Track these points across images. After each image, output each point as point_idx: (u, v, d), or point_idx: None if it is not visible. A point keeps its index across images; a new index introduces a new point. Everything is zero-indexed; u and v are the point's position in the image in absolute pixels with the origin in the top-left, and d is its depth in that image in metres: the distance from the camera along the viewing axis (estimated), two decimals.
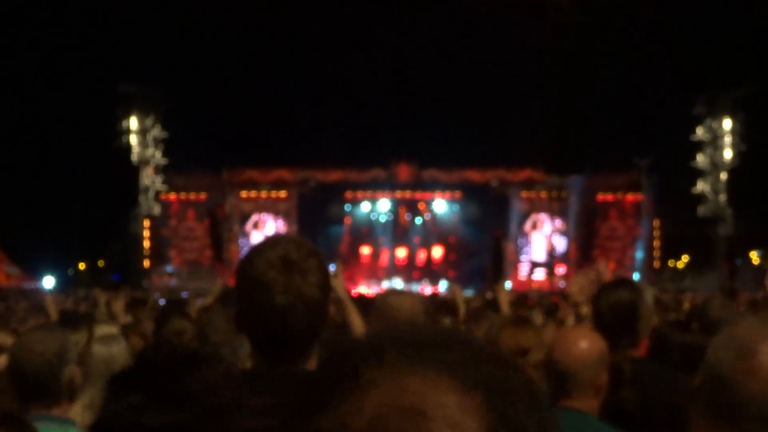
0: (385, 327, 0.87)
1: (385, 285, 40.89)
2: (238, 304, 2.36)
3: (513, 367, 0.85)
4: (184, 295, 23.53)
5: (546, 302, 15.83)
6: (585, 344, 3.50)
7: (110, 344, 4.38)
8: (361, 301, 10.29)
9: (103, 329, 5.03)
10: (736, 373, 2.11)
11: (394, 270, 45.41)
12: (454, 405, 0.79)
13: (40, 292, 30.00)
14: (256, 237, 43.27)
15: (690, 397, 2.21)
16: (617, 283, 4.78)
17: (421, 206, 46.68)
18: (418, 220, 46.99)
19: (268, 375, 2.32)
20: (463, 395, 0.80)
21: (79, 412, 3.52)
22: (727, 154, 42.78)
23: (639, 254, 43.31)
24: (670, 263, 46.17)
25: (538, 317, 9.10)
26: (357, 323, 4.91)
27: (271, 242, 2.38)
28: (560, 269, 44.95)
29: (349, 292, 6.50)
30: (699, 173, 43.81)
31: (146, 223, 43.79)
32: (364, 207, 46.39)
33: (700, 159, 43.59)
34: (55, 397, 3.38)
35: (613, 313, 4.44)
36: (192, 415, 1.92)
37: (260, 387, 2.25)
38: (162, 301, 17.66)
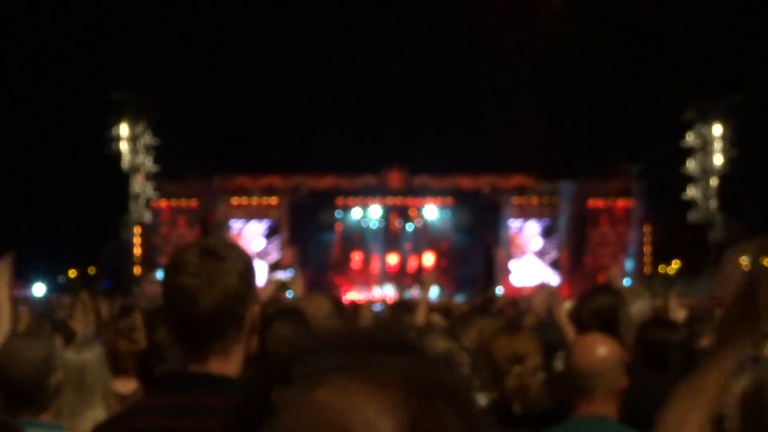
0: (285, 340, 0.86)
1: (376, 291, 40.92)
2: (162, 292, 2.37)
3: (436, 360, 0.84)
4: None
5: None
6: (605, 349, 3.56)
7: (83, 351, 4.36)
8: (352, 308, 10.28)
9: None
10: None
11: (385, 276, 45.41)
12: (366, 406, 0.77)
13: (30, 299, 29.91)
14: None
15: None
16: (598, 289, 4.83)
17: (412, 213, 46.70)
18: (410, 227, 46.99)
19: (185, 374, 2.31)
20: (377, 394, 0.78)
21: (49, 419, 3.50)
22: (718, 160, 42.87)
23: (630, 260, 43.34)
24: (661, 269, 46.24)
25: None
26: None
27: (200, 238, 2.43)
28: (551, 275, 44.95)
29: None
30: (689, 179, 43.89)
31: (137, 230, 43.70)
32: (355, 213, 46.37)
33: (691, 165, 43.67)
34: (42, 404, 3.38)
35: (595, 319, 4.47)
36: None
37: (177, 386, 2.24)
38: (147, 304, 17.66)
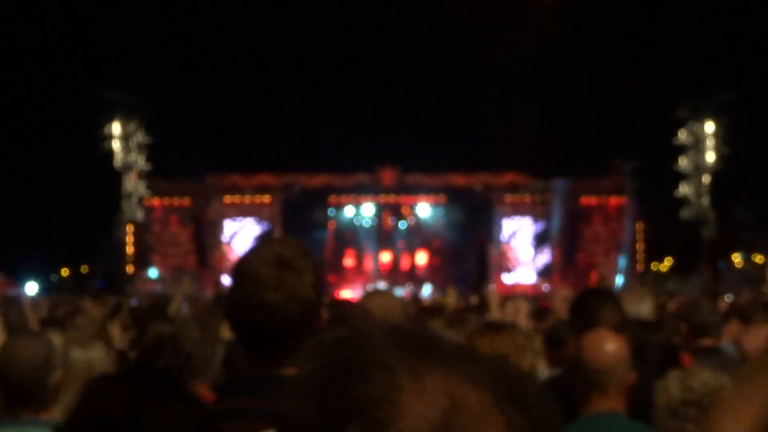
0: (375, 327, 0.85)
1: (370, 289, 40.89)
2: (230, 301, 2.36)
3: (512, 368, 0.86)
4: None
5: (534, 306, 15.84)
6: (617, 345, 3.61)
7: (89, 348, 4.37)
8: (344, 306, 10.28)
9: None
10: None
11: (378, 274, 45.38)
12: (474, 399, 0.80)
13: (22, 298, 29.84)
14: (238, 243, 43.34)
15: None
16: (586, 292, 4.89)
17: (405, 210, 46.71)
18: (402, 225, 47.00)
19: (255, 378, 2.31)
20: (480, 391, 0.80)
21: (56, 417, 3.51)
22: (710, 157, 42.94)
23: (622, 258, 43.39)
24: (654, 266, 46.34)
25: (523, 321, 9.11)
26: None
27: (266, 241, 2.39)
28: (544, 274, 45.01)
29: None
30: (682, 176, 43.96)
31: (129, 228, 43.64)
32: (348, 211, 46.36)
33: (683, 162, 43.74)
34: (42, 402, 3.39)
35: (579, 319, 4.54)
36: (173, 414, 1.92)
37: (245, 390, 2.25)
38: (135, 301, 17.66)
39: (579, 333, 4.12)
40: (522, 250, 45.50)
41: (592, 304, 4.56)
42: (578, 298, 4.85)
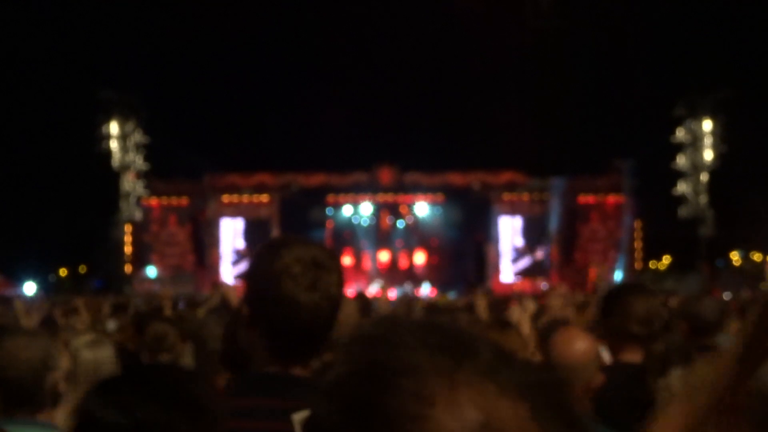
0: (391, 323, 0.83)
1: (369, 288, 40.89)
2: (255, 299, 2.35)
3: (543, 370, 0.84)
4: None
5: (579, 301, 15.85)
6: (584, 344, 3.57)
7: (97, 349, 4.36)
8: (368, 299, 10.33)
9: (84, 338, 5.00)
10: None
11: (376, 273, 45.39)
12: (508, 411, 0.77)
13: (20, 298, 29.83)
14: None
15: (738, 408, 2.18)
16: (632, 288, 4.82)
17: (403, 210, 46.72)
18: (400, 224, 47.01)
19: (272, 377, 2.30)
20: (515, 401, 0.78)
21: (64, 418, 3.50)
22: (708, 155, 42.93)
23: (620, 256, 43.41)
24: (652, 265, 46.35)
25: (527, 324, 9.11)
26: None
27: (293, 241, 2.39)
28: (542, 272, 45.02)
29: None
30: (680, 175, 43.95)
31: (127, 228, 43.64)
32: (346, 211, 46.37)
33: (681, 160, 43.73)
34: (39, 404, 3.38)
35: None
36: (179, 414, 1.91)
37: (261, 388, 2.24)
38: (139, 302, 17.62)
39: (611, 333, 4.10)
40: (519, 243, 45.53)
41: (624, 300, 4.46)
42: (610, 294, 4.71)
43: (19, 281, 35.64)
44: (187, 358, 5.43)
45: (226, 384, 3.09)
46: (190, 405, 1.94)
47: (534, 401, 0.78)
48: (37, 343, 3.42)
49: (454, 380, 0.77)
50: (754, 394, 2.15)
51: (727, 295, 23.28)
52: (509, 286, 42.69)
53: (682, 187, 43.96)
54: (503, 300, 16.29)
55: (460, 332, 0.83)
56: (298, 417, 2.03)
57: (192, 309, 10.60)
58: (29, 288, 35.61)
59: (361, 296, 10.02)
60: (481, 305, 8.13)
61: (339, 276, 2.36)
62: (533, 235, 45.30)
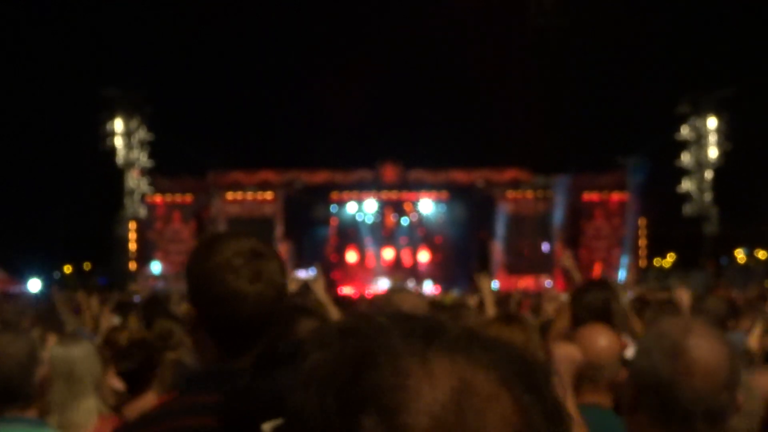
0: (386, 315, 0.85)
1: (373, 286, 40.89)
2: (198, 297, 2.32)
3: (521, 351, 0.86)
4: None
5: (534, 302, 15.84)
6: (611, 341, 3.65)
7: (70, 346, 4.33)
8: (345, 302, 10.32)
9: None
10: (674, 375, 2.08)
11: (380, 271, 45.39)
12: (485, 380, 0.81)
13: (26, 295, 29.86)
14: None
15: (629, 408, 2.18)
16: (591, 284, 4.88)
17: (407, 207, 46.69)
18: (405, 221, 46.99)
19: (222, 372, 2.26)
20: (490, 373, 0.82)
21: (35, 414, 3.49)
22: (712, 153, 42.85)
23: (624, 253, 43.36)
24: (656, 262, 46.28)
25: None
26: None
27: (228, 234, 2.37)
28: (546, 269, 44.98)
29: (328, 295, 6.52)
30: (684, 172, 43.90)
31: (132, 225, 43.68)
32: (350, 208, 46.36)
33: (685, 158, 43.68)
34: (27, 400, 3.37)
35: (588, 312, 4.52)
36: None
37: (213, 384, 2.22)
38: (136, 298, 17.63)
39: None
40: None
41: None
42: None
43: (24, 278, 35.63)
44: (190, 356, 5.42)
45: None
46: None
47: (504, 372, 0.82)
48: (23, 339, 3.42)
49: (425, 357, 0.81)
50: (646, 386, 2.15)
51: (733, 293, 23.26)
52: (513, 283, 42.66)
53: (686, 185, 43.91)
54: (506, 296, 16.28)
55: (427, 318, 0.87)
56: (268, 426, 2.01)
57: None
58: (34, 285, 35.62)
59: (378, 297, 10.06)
60: (487, 290, 8.10)
61: (280, 263, 2.33)
62: (537, 232, 45.27)
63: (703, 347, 2.16)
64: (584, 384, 3.50)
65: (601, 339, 3.60)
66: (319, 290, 6.53)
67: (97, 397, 4.22)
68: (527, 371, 0.84)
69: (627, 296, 6.18)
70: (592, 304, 4.64)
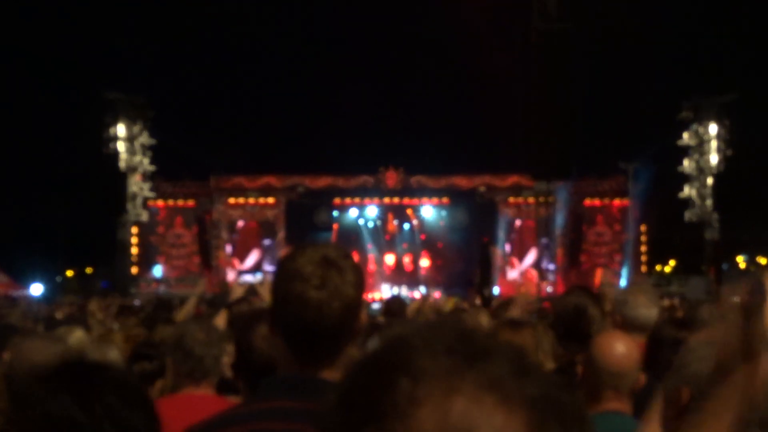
0: (411, 327, 0.88)
1: (375, 291, 40.93)
2: (274, 301, 2.39)
3: (558, 383, 0.85)
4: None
5: (536, 308, 15.92)
6: (628, 347, 3.64)
7: (105, 350, 4.40)
8: (398, 303, 10.42)
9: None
10: None
11: (382, 276, 45.42)
12: (500, 424, 0.77)
13: (28, 299, 29.94)
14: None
15: (677, 414, 2.23)
16: (570, 290, 4.91)
17: (408, 212, 46.72)
18: (406, 227, 47.02)
19: (295, 379, 2.33)
20: (508, 414, 0.78)
21: None
22: (714, 159, 42.83)
23: (626, 259, 43.38)
24: (657, 268, 46.30)
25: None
26: None
27: (311, 244, 2.43)
28: (548, 275, 44.98)
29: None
30: (685, 178, 43.89)
31: (134, 230, 43.72)
32: (352, 213, 46.41)
33: (687, 164, 43.66)
34: None
35: (561, 318, 4.57)
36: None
37: (285, 391, 2.28)
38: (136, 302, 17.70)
39: None
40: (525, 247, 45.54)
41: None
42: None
43: (26, 282, 35.72)
44: None
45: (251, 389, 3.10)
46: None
47: (538, 412, 0.79)
48: (51, 346, 3.48)
49: (452, 386, 0.78)
50: (696, 379, 2.21)
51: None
52: (514, 288, 42.66)
53: (687, 191, 43.89)
54: (507, 301, 16.34)
55: (475, 335, 0.85)
56: None
57: (215, 309, 10.66)
58: (36, 289, 35.69)
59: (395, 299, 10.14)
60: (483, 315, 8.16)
61: (354, 275, 2.36)
62: (538, 238, 45.30)
63: None
64: (606, 391, 3.57)
65: (619, 346, 3.60)
66: (265, 294, 6.58)
67: None
68: (565, 411, 0.82)
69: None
70: (565, 309, 4.68)
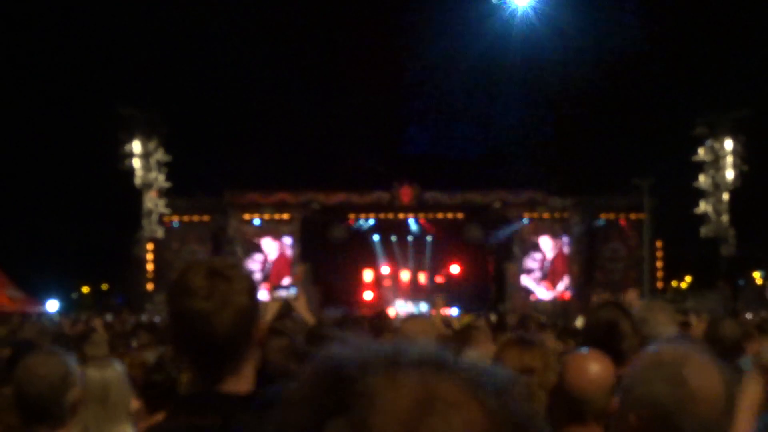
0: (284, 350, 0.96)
1: (389, 306, 40.88)
2: (169, 318, 2.37)
3: (516, 397, 0.90)
4: None
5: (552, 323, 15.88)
6: (599, 369, 3.48)
7: (104, 368, 4.39)
8: (383, 319, 10.38)
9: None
10: (677, 403, 2.12)
11: (396, 291, 45.38)
12: (455, 390, 0.86)
13: (45, 315, 30.02)
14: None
15: None
16: (602, 304, 4.85)
17: (424, 228, 46.71)
18: (421, 242, 47.01)
19: (197, 396, 2.32)
20: (451, 381, 0.87)
21: None
22: (729, 174, 42.70)
23: (641, 275, 43.22)
24: (673, 284, 46.13)
25: (549, 339, 9.11)
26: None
27: (200, 258, 2.41)
28: (563, 291, 44.89)
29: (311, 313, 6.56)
30: (701, 194, 43.75)
31: (149, 246, 43.83)
32: (366, 229, 46.44)
33: (702, 179, 43.54)
34: (59, 420, 3.44)
35: (595, 332, 4.50)
36: None
37: (189, 408, 2.26)
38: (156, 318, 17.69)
39: None
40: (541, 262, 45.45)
41: None
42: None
43: (42, 299, 35.78)
44: None
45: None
46: None
47: (468, 380, 0.87)
48: (56, 360, 3.48)
49: (393, 372, 0.87)
50: (647, 415, 2.18)
51: (748, 315, 23.17)
52: (532, 304, 42.57)
53: (703, 206, 43.75)
54: (523, 318, 16.27)
55: (397, 345, 0.93)
56: None
57: None
58: (52, 305, 35.76)
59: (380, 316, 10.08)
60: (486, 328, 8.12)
61: (244, 283, 2.35)
62: (554, 254, 45.24)
63: (704, 375, 2.19)
64: (570, 415, 3.40)
65: (591, 368, 3.44)
66: (302, 309, 6.57)
67: (129, 424, 4.26)
68: (492, 379, 0.89)
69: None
70: (596, 323, 4.62)
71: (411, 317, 4.92)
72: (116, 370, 4.37)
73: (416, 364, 0.88)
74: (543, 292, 45.03)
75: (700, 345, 2.39)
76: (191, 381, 2.39)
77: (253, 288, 2.39)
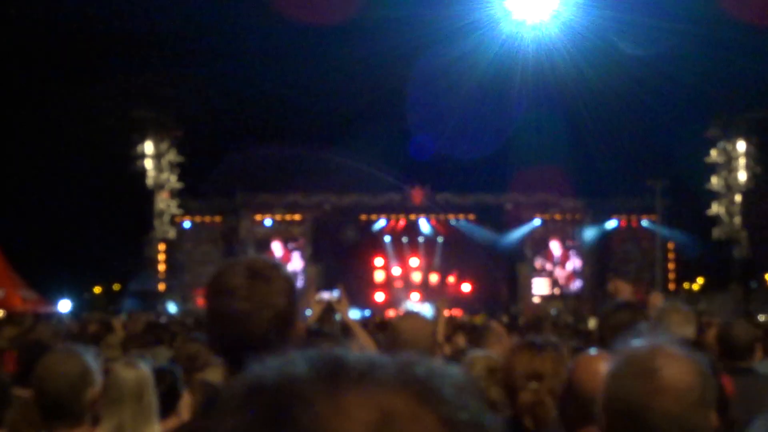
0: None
1: (401, 307, 40.87)
2: (207, 317, 2.38)
3: (433, 368, 0.88)
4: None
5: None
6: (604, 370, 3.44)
7: (137, 367, 4.39)
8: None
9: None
10: (645, 398, 2.10)
11: (408, 292, 45.40)
12: (408, 404, 0.82)
13: (57, 315, 30.05)
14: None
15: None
16: (619, 306, 4.81)
17: (435, 229, 46.70)
18: (433, 242, 47.00)
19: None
20: (401, 396, 0.83)
21: None
22: (742, 176, 42.60)
23: (653, 277, 43.14)
24: (685, 286, 45.99)
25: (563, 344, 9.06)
26: (365, 346, 4.96)
27: (238, 258, 2.41)
28: (575, 292, 44.83)
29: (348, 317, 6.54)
30: (713, 195, 43.65)
31: (161, 247, 43.92)
32: (378, 230, 46.46)
33: (715, 181, 43.43)
34: (77, 418, 3.45)
35: (614, 335, 4.47)
36: None
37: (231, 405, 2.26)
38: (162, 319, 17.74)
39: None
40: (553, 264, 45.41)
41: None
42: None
43: (54, 299, 35.82)
44: (215, 375, 5.47)
45: None
46: None
47: (417, 391, 0.83)
48: (75, 358, 3.50)
49: (337, 396, 0.82)
50: (616, 411, 2.17)
51: (761, 317, 23.13)
52: (540, 306, 42.54)
53: (715, 208, 43.65)
54: (535, 320, 16.27)
55: (328, 353, 0.90)
56: None
57: None
58: (64, 306, 35.79)
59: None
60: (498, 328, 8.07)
61: (283, 284, 2.35)
62: (566, 256, 45.20)
63: (673, 368, 2.18)
64: (582, 417, 3.34)
65: (603, 368, 3.41)
66: (344, 311, 6.56)
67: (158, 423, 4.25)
68: (440, 385, 0.85)
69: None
70: (619, 325, 4.56)
71: (406, 315, 4.88)
72: (147, 370, 4.38)
73: (357, 380, 0.84)
74: (554, 294, 44.96)
75: (675, 340, 2.38)
76: (225, 380, 2.39)
77: (292, 289, 2.39)
